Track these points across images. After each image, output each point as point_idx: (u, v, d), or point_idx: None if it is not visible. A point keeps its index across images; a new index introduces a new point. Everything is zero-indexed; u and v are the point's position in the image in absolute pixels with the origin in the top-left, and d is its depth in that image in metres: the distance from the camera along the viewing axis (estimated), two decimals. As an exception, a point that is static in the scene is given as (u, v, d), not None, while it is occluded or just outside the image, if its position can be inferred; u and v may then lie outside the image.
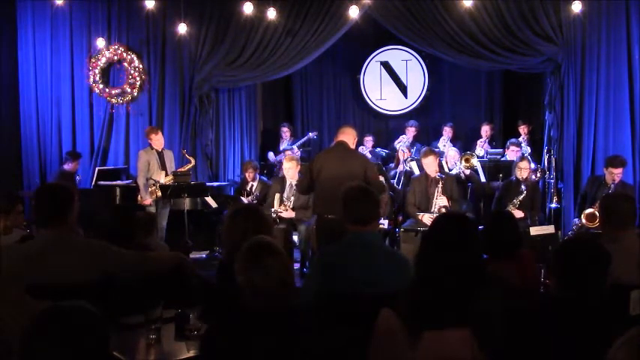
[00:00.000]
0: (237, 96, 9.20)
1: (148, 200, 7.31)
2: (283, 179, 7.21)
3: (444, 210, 6.42)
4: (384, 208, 6.58)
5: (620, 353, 1.51)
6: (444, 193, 6.56)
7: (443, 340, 2.19)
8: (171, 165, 7.59)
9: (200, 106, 8.63)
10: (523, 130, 8.73)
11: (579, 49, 7.57)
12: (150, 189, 7.36)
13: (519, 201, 6.61)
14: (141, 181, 7.39)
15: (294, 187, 6.86)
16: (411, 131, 9.48)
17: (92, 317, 1.68)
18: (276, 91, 10.81)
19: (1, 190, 7.78)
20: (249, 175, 7.70)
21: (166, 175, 7.44)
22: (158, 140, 7.50)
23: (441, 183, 6.62)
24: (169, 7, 8.33)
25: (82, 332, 1.63)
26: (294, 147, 9.28)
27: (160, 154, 7.51)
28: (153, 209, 7.22)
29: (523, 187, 6.65)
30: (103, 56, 8.56)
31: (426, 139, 10.03)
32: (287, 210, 6.96)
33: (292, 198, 6.98)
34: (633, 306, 2.80)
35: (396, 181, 7.95)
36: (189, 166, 7.70)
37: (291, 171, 6.98)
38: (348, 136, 5.62)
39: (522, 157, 7.05)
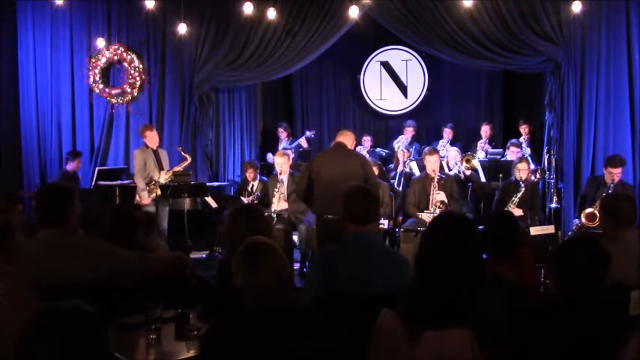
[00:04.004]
0: (237, 96, 9.21)
1: (146, 200, 7.26)
2: (277, 176, 7.25)
3: (440, 205, 6.41)
4: (385, 208, 6.58)
5: (632, 351, 1.51)
6: (441, 189, 6.54)
7: (443, 340, 2.19)
8: (167, 164, 7.56)
9: (200, 106, 8.63)
10: (524, 130, 8.72)
11: (579, 49, 7.57)
12: (149, 188, 7.33)
13: (518, 198, 6.62)
14: (139, 181, 7.34)
15: (286, 182, 7.06)
16: (409, 131, 9.48)
17: (92, 317, 1.68)
18: (276, 91, 10.82)
19: (1, 190, 7.80)
20: (249, 175, 7.70)
21: (165, 173, 7.40)
22: (153, 137, 7.46)
23: (436, 179, 6.59)
24: (169, 7, 8.33)
25: (82, 332, 1.62)
26: (302, 142, 9.30)
27: (156, 153, 7.48)
28: (152, 209, 7.19)
29: (522, 184, 6.65)
30: (103, 56, 8.56)
31: (426, 139, 10.04)
32: (280, 200, 7.00)
33: (284, 191, 7.07)
34: (633, 306, 2.80)
35: (396, 181, 7.95)
36: (186, 163, 7.64)
37: (284, 166, 7.12)
38: (347, 138, 5.71)
39: (521, 159, 7.04)
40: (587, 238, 4.61)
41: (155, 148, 7.49)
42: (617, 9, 7.47)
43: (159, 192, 7.24)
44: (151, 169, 7.36)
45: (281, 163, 7.14)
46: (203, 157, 8.75)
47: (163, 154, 7.61)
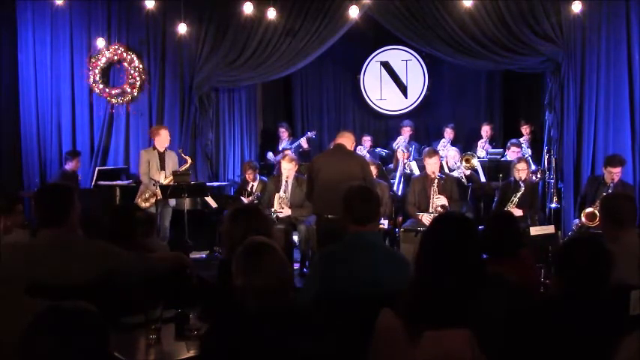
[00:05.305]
0: (237, 96, 9.21)
1: (148, 203, 7.24)
2: (279, 178, 7.23)
3: (440, 209, 6.42)
4: (384, 208, 6.58)
5: (634, 343, 1.51)
6: (442, 192, 6.55)
7: (443, 340, 2.19)
8: (173, 166, 7.48)
9: (200, 106, 8.63)
10: (525, 129, 8.72)
11: (579, 49, 7.57)
12: (149, 190, 7.30)
13: (518, 198, 6.62)
14: (144, 182, 7.35)
15: (290, 185, 7.05)
16: (406, 131, 9.47)
17: (92, 317, 1.68)
18: (276, 91, 10.82)
19: (1, 190, 7.80)
20: (249, 176, 7.71)
21: (165, 176, 7.37)
22: (162, 138, 7.43)
23: (436, 181, 6.59)
24: (169, 7, 8.32)
25: (82, 332, 1.63)
26: (302, 142, 9.29)
27: (162, 155, 7.45)
28: (152, 209, 7.18)
29: (521, 184, 6.66)
30: (103, 56, 8.56)
31: (427, 139, 10.04)
32: (283, 208, 6.99)
33: (287, 195, 7.06)
34: (633, 306, 2.80)
35: (396, 181, 7.95)
36: (186, 166, 7.62)
37: (291, 172, 7.07)
38: (346, 139, 5.81)
39: (520, 159, 7.05)
40: (589, 237, 4.61)
41: (162, 150, 7.46)
42: (617, 9, 7.47)
43: (159, 195, 7.18)
44: (154, 171, 7.34)
45: (288, 168, 7.07)
46: (203, 157, 8.75)
47: (170, 156, 7.54)
